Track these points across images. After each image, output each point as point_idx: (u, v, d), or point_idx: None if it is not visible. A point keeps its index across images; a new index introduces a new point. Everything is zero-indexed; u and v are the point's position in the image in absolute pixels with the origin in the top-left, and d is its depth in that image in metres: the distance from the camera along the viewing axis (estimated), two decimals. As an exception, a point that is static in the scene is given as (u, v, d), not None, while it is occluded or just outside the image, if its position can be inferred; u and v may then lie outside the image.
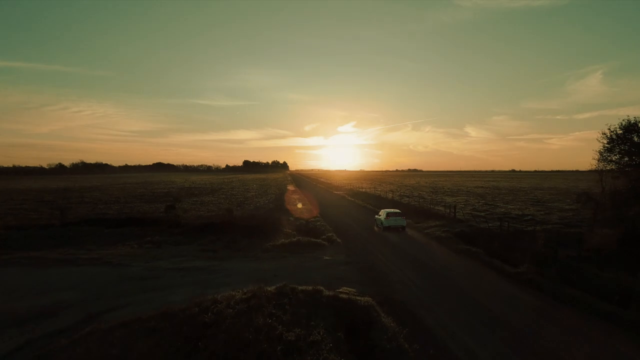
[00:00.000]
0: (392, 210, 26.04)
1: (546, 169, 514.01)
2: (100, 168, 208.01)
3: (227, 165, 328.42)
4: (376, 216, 26.96)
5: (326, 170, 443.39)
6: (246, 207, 38.76)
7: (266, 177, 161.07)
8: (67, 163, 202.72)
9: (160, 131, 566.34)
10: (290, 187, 77.48)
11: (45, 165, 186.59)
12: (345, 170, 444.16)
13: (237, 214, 29.59)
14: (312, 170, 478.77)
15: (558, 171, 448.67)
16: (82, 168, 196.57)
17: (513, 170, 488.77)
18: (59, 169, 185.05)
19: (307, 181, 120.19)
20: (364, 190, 66.17)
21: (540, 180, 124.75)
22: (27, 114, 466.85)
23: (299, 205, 41.33)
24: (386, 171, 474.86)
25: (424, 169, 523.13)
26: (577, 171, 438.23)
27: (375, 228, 25.72)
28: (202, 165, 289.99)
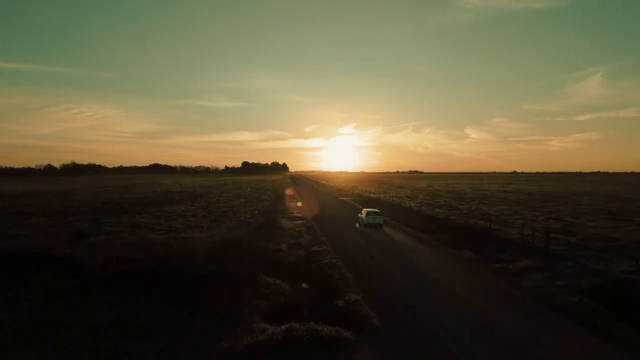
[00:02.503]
0: (372, 209, 27.50)
1: (547, 171, 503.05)
2: (93, 169, 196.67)
3: (226, 167, 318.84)
4: (359, 215, 28.41)
5: (326, 172, 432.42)
6: (225, 223, 27.90)
7: (264, 179, 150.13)
8: (62, 164, 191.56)
9: (161, 132, 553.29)
10: (288, 192, 66.56)
11: (33, 166, 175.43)
12: (345, 172, 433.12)
13: (201, 238, 18.60)
14: (312, 171, 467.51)
15: (561, 173, 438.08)
16: (73, 169, 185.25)
17: (515, 172, 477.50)
18: (47, 171, 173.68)
19: (307, 184, 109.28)
20: (374, 195, 55.25)
21: (557, 183, 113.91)
22: (28, 115, 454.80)
23: (297, 219, 30.46)
24: (387, 172, 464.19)
25: (425, 171, 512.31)
26: (580, 173, 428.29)
27: (357, 225, 27.18)
28: (199, 167, 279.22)
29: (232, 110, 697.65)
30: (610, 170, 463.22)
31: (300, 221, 29.23)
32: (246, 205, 41.39)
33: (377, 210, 27.66)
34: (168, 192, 63.84)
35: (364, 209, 27.99)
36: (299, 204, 43.87)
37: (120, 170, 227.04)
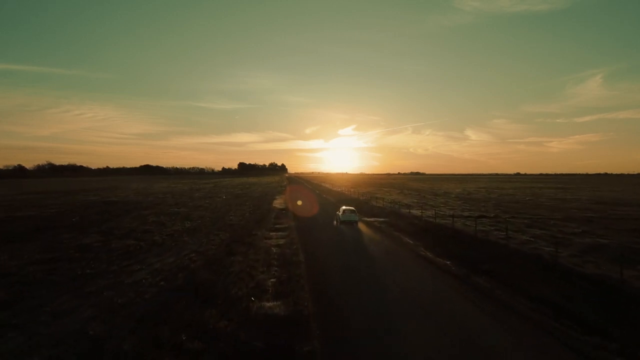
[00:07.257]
0: (348, 207, 26.99)
1: (549, 172, 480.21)
2: (73, 171, 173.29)
3: (223, 168, 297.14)
4: (336, 212, 28.04)
5: (327, 173, 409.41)
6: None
7: (257, 181, 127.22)
8: (35, 165, 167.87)
9: (162, 134, 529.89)
10: (278, 202, 43.52)
11: (1, 167, 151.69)
12: (346, 173, 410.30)
13: None
14: (312, 173, 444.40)
15: (564, 174, 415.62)
16: (49, 170, 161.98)
17: (518, 174, 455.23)
18: (17, 172, 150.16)
19: (307, 187, 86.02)
20: (417, 212, 32.31)
21: (600, 187, 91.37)
22: (29, 117, 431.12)
23: (271, 335, 7.66)
24: (388, 174, 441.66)
25: (425, 172, 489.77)
26: (586, 174, 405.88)
27: (334, 222, 26.57)
28: (193, 168, 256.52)
29: (233, 112, 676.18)
30: (609, 172, 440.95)
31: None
32: (175, 246, 18.56)
33: (352, 208, 27.10)
34: (108, 202, 41.02)
35: (341, 207, 27.36)
36: (288, 232, 20.84)
37: (106, 171, 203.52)
